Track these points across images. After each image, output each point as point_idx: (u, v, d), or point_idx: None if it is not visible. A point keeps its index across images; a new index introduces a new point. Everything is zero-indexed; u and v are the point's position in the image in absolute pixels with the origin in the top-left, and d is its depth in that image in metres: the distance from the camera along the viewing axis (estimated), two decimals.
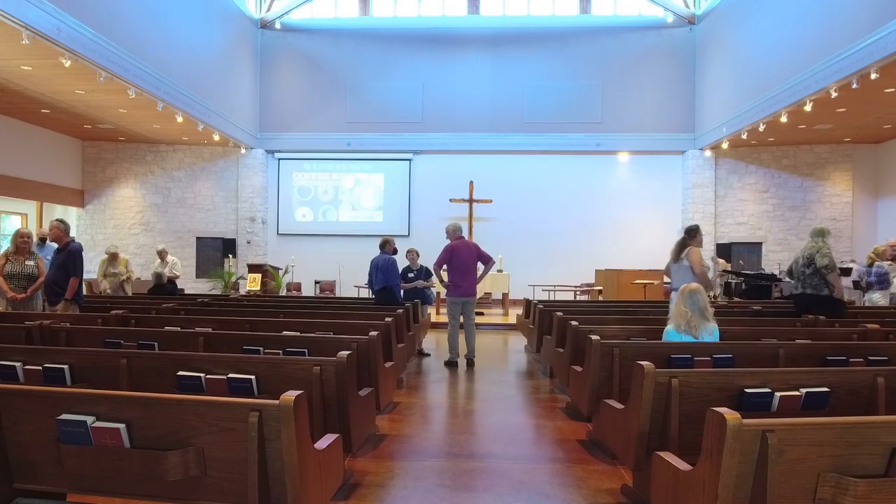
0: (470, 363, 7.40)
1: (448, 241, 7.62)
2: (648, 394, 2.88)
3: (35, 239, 7.20)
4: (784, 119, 11.24)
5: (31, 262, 6.30)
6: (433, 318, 10.76)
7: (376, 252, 7.87)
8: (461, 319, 7.57)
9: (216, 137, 13.68)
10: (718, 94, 13.70)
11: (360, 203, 15.69)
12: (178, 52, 11.54)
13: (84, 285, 6.74)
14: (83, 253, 6.60)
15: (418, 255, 8.87)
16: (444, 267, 7.57)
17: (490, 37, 15.21)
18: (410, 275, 8.65)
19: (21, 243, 6.26)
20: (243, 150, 15.12)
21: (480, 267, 7.69)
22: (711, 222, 14.77)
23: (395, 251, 7.92)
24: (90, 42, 8.73)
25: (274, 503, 2.14)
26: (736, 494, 1.99)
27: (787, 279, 7.51)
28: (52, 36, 7.89)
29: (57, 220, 6.53)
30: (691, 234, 6.09)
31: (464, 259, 7.47)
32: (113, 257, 9.68)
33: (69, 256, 6.29)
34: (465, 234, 10.89)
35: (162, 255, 10.41)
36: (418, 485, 3.51)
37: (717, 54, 13.86)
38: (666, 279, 7.35)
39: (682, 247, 6.05)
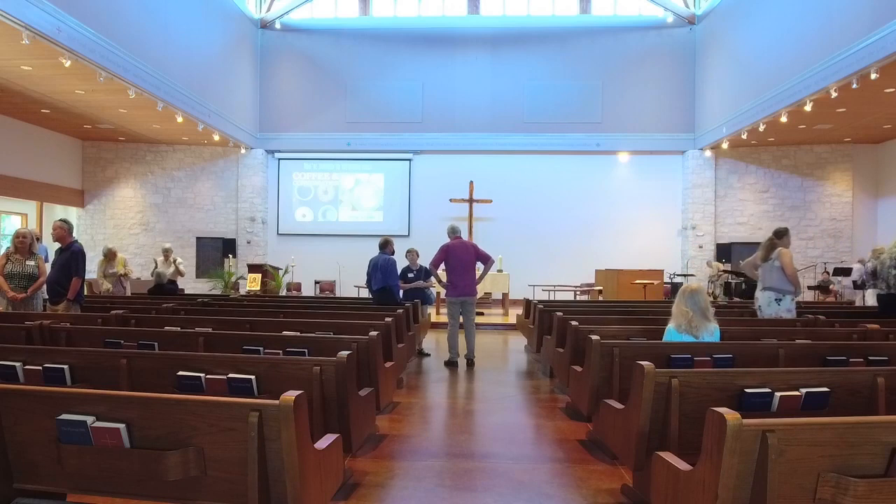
0: (470, 363, 7.39)
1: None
2: (648, 394, 2.88)
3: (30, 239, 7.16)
4: (784, 119, 11.24)
5: (32, 262, 6.29)
6: (433, 318, 10.76)
7: (376, 252, 7.83)
8: (461, 319, 7.56)
9: (216, 137, 13.68)
10: (718, 94, 13.70)
11: (360, 203, 15.69)
12: (178, 52, 11.54)
13: (85, 286, 6.74)
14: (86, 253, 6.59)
15: (418, 255, 8.85)
16: (442, 267, 7.56)
17: (490, 37, 15.21)
18: (410, 275, 8.64)
19: (18, 243, 6.26)
20: (243, 150, 15.12)
21: (480, 267, 7.68)
22: (711, 222, 14.78)
23: (393, 252, 7.89)
24: (90, 42, 8.73)
25: (274, 503, 2.14)
26: (736, 494, 1.99)
27: (870, 282, 7.58)
28: (52, 36, 7.89)
29: (60, 220, 6.50)
30: (780, 236, 6.23)
31: (461, 258, 7.44)
32: (110, 257, 9.64)
33: (72, 257, 6.28)
34: (465, 234, 10.88)
35: (167, 254, 10.22)
36: (418, 485, 3.51)
37: (717, 54, 13.86)
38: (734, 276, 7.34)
39: (770, 248, 6.19)
